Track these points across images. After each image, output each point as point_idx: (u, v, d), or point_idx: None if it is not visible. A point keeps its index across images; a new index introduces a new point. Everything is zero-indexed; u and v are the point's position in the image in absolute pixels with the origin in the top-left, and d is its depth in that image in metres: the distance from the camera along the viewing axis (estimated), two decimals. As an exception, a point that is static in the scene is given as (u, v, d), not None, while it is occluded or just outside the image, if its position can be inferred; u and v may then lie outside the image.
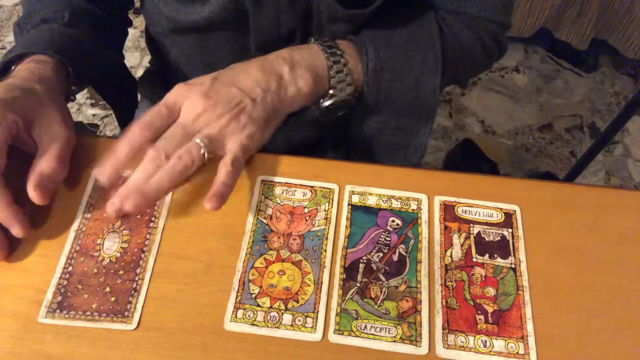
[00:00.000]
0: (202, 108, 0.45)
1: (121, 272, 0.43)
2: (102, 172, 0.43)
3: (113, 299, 0.42)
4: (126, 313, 0.41)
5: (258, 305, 0.42)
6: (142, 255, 0.44)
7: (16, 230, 0.42)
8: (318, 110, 0.53)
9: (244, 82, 0.48)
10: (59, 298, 0.42)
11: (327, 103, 0.52)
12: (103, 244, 0.45)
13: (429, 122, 0.56)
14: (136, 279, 0.43)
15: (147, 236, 0.45)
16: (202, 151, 0.44)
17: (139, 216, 0.46)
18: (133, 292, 0.42)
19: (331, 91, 0.51)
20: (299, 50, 0.51)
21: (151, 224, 0.46)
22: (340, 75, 0.51)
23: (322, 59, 0.51)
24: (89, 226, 0.46)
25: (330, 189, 0.48)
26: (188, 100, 0.46)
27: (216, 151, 0.45)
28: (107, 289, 0.42)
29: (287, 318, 0.41)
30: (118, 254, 0.44)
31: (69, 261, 0.44)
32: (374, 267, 0.44)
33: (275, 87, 0.49)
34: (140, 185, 0.42)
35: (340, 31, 0.54)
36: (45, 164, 0.44)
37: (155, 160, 0.43)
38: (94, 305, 0.41)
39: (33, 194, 0.42)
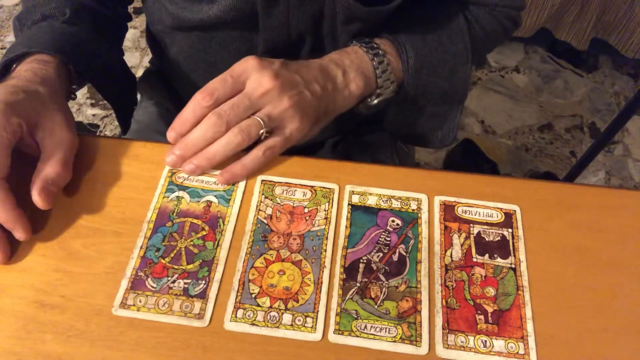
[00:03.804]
0: (270, 85, 0.46)
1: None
2: (168, 135, 0.47)
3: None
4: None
5: (258, 305, 0.42)
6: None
7: (19, 234, 0.42)
8: (365, 108, 0.56)
9: (306, 75, 0.50)
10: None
11: (375, 102, 0.55)
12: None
13: (460, 106, 0.60)
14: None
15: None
16: (261, 131, 0.46)
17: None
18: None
19: (378, 90, 0.54)
20: (346, 54, 0.54)
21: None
22: (385, 74, 0.54)
23: (368, 61, 0.53)
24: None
25: (330, 189, 0.48)
26: (258, 74, 0.46)
27: (271, 132, 0.47)
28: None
29: (287, 318, 0.41)
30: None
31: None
32: (374, 267, 0.44)
33: (330, 89, 0.51)
34: (197, 150, 0.46)
35: (355, 31, 0.55)
36: (50, 169, 0.43)
37: (216, 126, 0.45)
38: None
39: (37, 198, 0.42)
